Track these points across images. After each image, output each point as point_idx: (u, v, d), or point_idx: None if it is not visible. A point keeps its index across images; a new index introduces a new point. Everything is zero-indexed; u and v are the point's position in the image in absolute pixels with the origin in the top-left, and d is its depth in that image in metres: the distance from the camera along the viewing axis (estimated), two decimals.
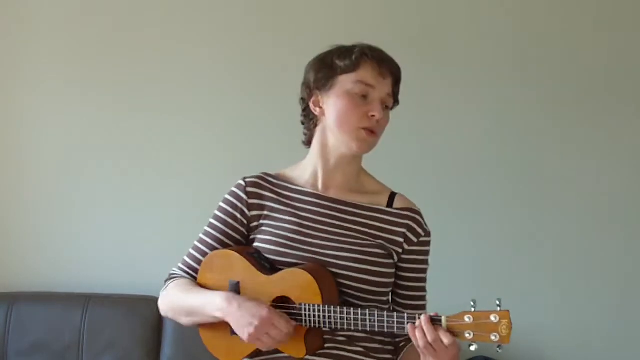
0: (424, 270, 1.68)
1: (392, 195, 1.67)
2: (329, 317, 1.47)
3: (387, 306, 1.64)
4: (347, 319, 1.46)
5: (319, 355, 1.54)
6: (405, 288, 1.66)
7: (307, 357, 1.52)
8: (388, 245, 1.60)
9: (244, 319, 1.48)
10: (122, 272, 2.95)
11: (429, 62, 2.84)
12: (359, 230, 1.59)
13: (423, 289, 1.69)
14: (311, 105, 1.65)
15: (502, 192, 2.87)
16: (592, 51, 2.85)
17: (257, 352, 1.56)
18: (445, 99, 2.87)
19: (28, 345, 2.76)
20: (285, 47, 2.88)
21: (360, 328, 1.47)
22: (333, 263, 1.54)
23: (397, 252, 1.61)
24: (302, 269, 1.51)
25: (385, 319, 1.44)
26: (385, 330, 1.45)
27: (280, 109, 2.88)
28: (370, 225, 1.61)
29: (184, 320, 1.64)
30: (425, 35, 2.86)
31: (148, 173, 2.96)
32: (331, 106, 1.61)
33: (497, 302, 1.38)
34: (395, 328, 1.44)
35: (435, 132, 2.87)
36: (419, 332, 1.40)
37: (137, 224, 2.97)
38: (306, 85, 1.66)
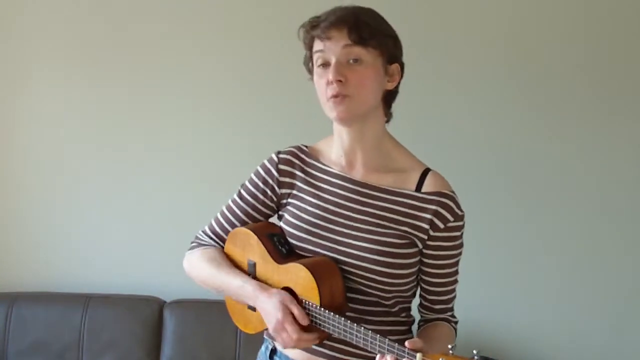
0: (451, 257, 1.59)
1: (424, 174, 1.57)
2: (323, 320, 1.46)
3: (409, 293, 1.59)
4: (337, 327, 1.44)
5: (321, 346, 1.54)
6: (430, 275, 1.58)
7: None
8: (412, 231, 1.53)
9: (268, 315, 1.49)
10: (122, 272, 2.96)
11: (429, 61, 2.84)
12: (383, 216, 1.53)
13: (449, 276, 1.60)
14: None
15: (503, 192, 2.87)
16: (596, 48, 2.85)
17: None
18: (441, 99, 2.87)
19: (28, 345, 2.76)
20: (285, 42, 2.87)
21: (347, 339, 1.44)
22: (350, 253, 1.51)
23: (421, 239, 1.54)
24: (306, 265, 1.49)
25: (370, 339, 1.39)
26: (369, 348, 1.41)
27: (283, 107, 2.88)
28: (395, 210, 1.53)
29: (213, 291, 1.66)
30: (425, 35, 2.85)
31: (149, 173, 2.95)
32: None
33: (475, 352, 1.28)
34: (377, 351, 1.38)
35: (433, 131, 2.87)
36: None
37: (137, 224, 2.96)
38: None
